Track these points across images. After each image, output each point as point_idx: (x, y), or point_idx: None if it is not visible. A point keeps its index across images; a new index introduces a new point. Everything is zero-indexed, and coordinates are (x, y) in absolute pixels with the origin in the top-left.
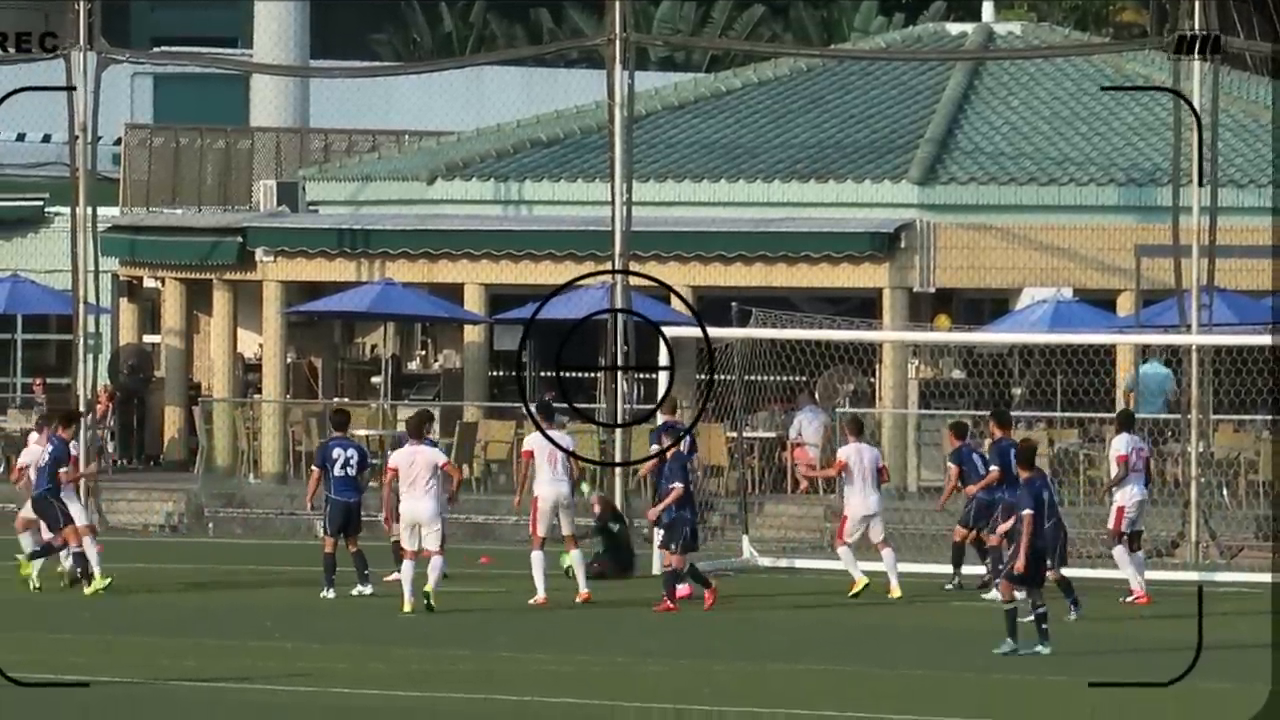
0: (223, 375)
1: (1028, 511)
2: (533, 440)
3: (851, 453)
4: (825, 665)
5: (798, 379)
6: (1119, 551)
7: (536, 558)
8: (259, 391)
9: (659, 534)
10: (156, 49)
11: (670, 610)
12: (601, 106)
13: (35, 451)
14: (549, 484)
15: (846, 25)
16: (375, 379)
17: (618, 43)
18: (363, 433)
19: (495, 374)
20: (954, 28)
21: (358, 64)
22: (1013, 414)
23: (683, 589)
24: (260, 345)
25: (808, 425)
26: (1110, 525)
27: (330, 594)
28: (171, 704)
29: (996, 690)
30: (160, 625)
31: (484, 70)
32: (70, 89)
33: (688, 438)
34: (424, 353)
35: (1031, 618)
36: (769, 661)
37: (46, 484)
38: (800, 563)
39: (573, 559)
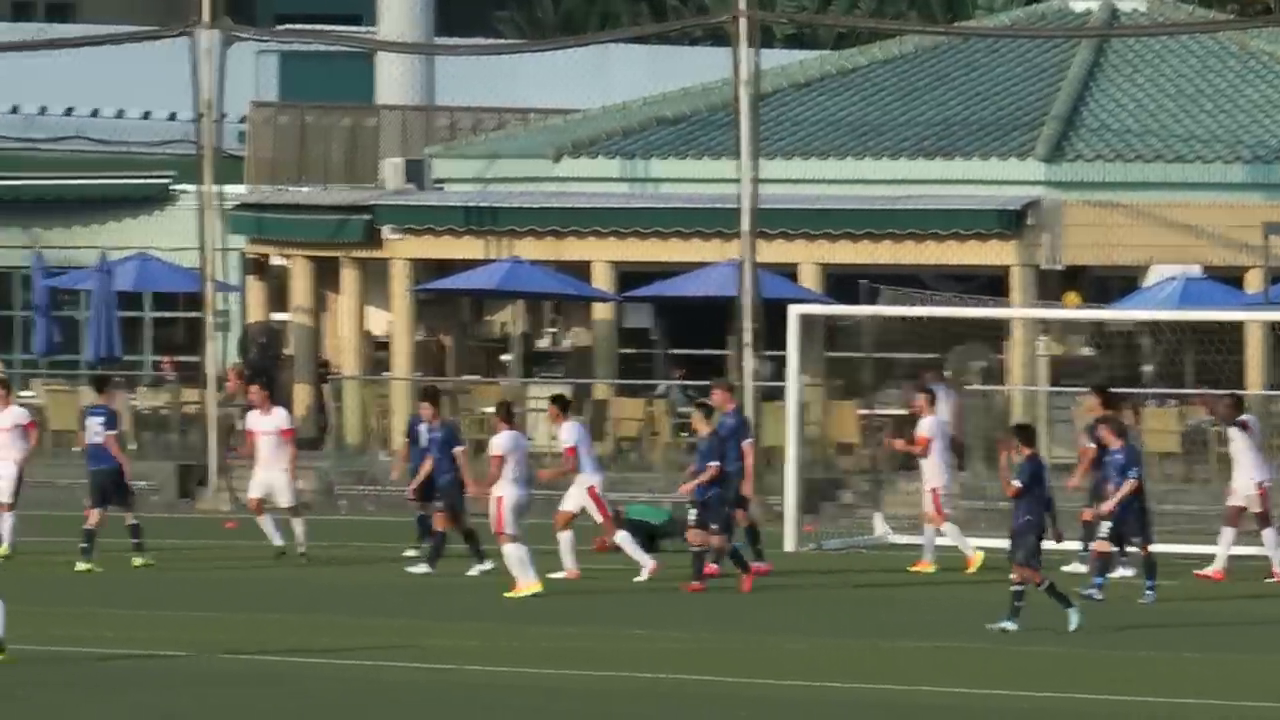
0: (352, 353)
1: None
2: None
3: (935, 427)
4: (957, 642)
5: (927, 356)
6: (1268, 534)
7: (623, 537)
8: (388, 369)
9: (693, 513)
10: (281, 27)
11: (698, 590)
12: (727, 84)
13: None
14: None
15: (971, 2)
16: (504, 357)
17: (743, 20)
18: (491, 410)
19: (624, 351)
20: (1078, 5)
21: (482, 41)
22: (1143, 391)
23: (711, 568)
24: (389, 323)
25: (940, 403)
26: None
27: (422, 568)
28: (303, 682)
29: (1134, 666)
30: (292, 602)
31: (609, 48)
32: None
33: (737, 420)
34: (554, 330)
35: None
36: (899, 639)
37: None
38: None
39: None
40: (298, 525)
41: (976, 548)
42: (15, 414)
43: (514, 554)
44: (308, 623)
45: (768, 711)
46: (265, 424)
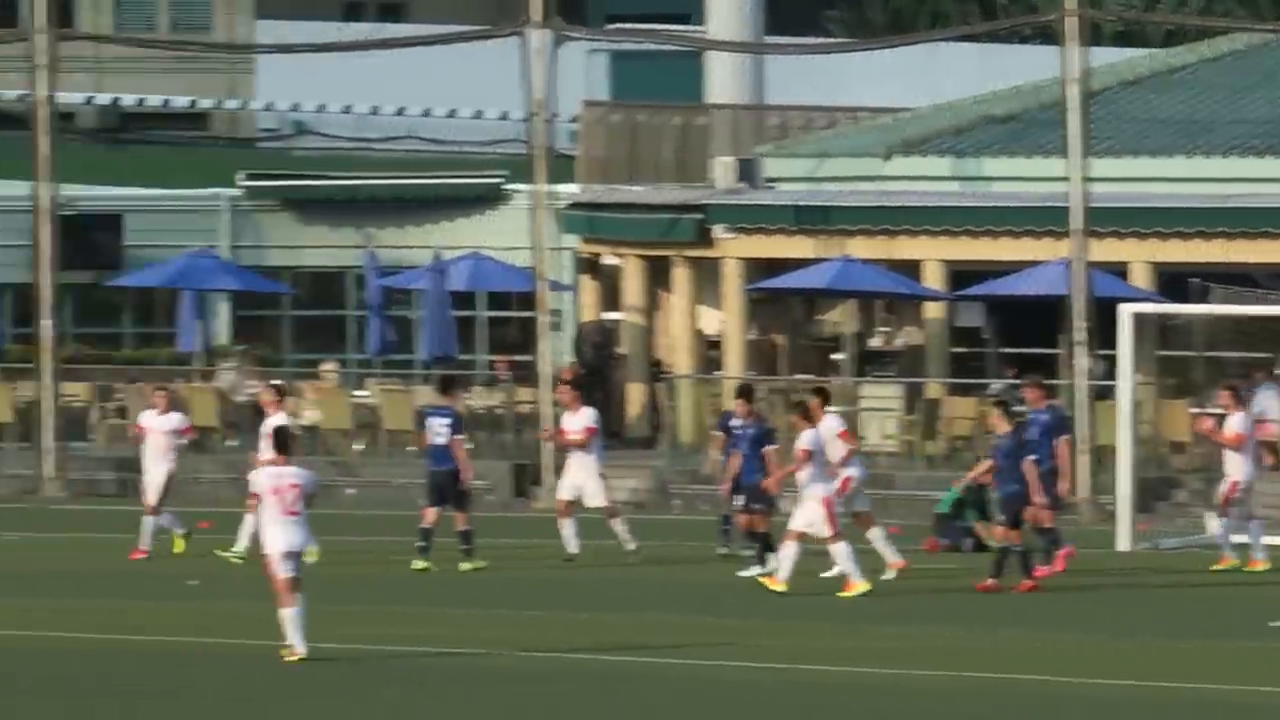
0: (684, 352)
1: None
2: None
3: (1246, 423)
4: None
5: (1258, 355)
6: None
7: (874, 534)
8: (721, 368)
9: (738, 500)
10: (611, 26)
11: (1030, 589)
12: (1056, 82)
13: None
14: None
15: None
16: (836, 356)
17: (1073, 19)
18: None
19: (956, 350)
20: None
21: (811, 40)
22: None
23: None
24: (721, 322)
25: (1270, 402)
26: None
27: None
28: (639, 681)
29: None
30: (623, 602)
31: (938, 46)
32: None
33: (1052, 417)
34: (886, 329)
35: None
36: (1240, 639)
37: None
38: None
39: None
40: (617, 525)
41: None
42: (174, 419)
43: (844, 552)
44: (638, 622)
45: (1104, 712)
46: (572, 423)
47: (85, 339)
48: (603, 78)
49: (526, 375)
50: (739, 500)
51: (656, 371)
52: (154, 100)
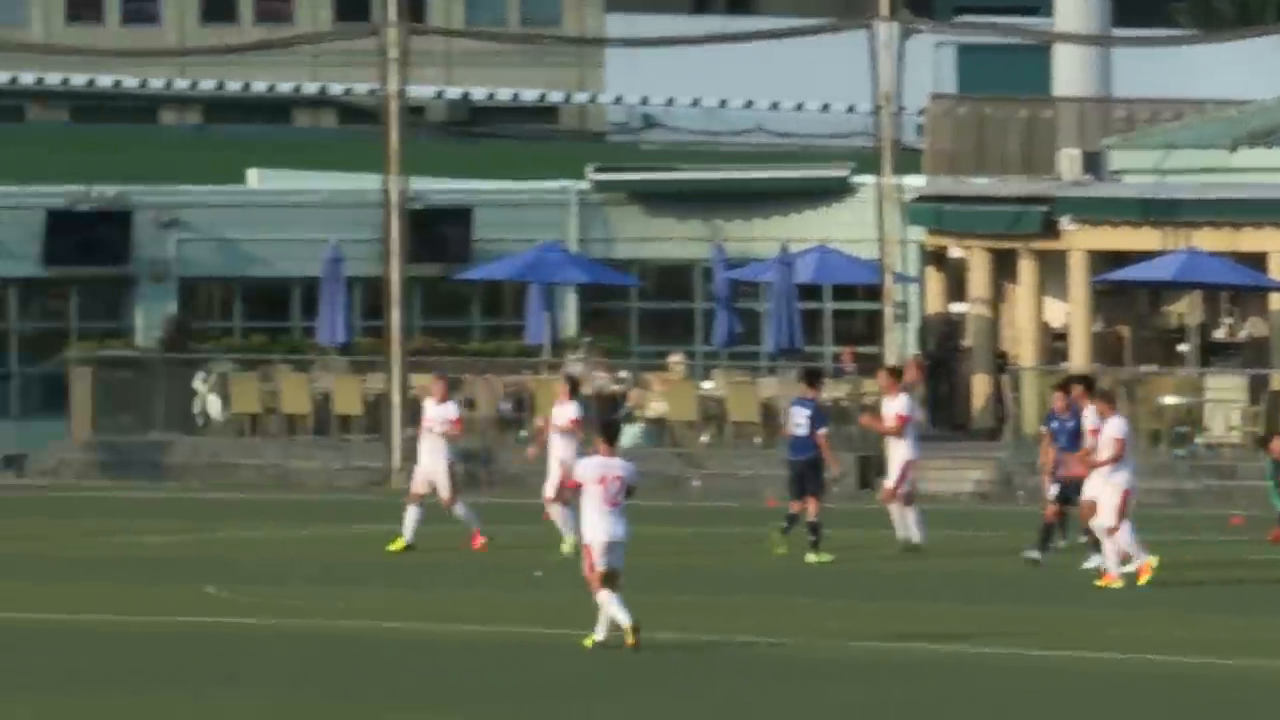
0: (1029, 343)
1: None
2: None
3: None
4: None
5: None
6: None
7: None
8: (1066, 360)
9: (1052, 489)
10: (958, 19)
11: None
12: None
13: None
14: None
15: None
16: (1181, 347)
17: None
18: (1170, 400)
19: None
20: None
21: (1159, 32)
22: None
23: None
24: (1067, 313)
25: None
26: None
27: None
28: (988, 673)
29: None
30: (964, 593)
31: None
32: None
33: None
34: (1230, 321)
35: None
36: None
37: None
38: None
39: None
40: (908, 515)
41: None
42: (448, 409)
43: (1123, 542)
44: (980, 613)
45: None
46: (887, 409)
47: (433, 332)
48: (950, 70)
49: (872, 367)
50: (1053, 490)
51: (1001, 363)
52: (503, 94)
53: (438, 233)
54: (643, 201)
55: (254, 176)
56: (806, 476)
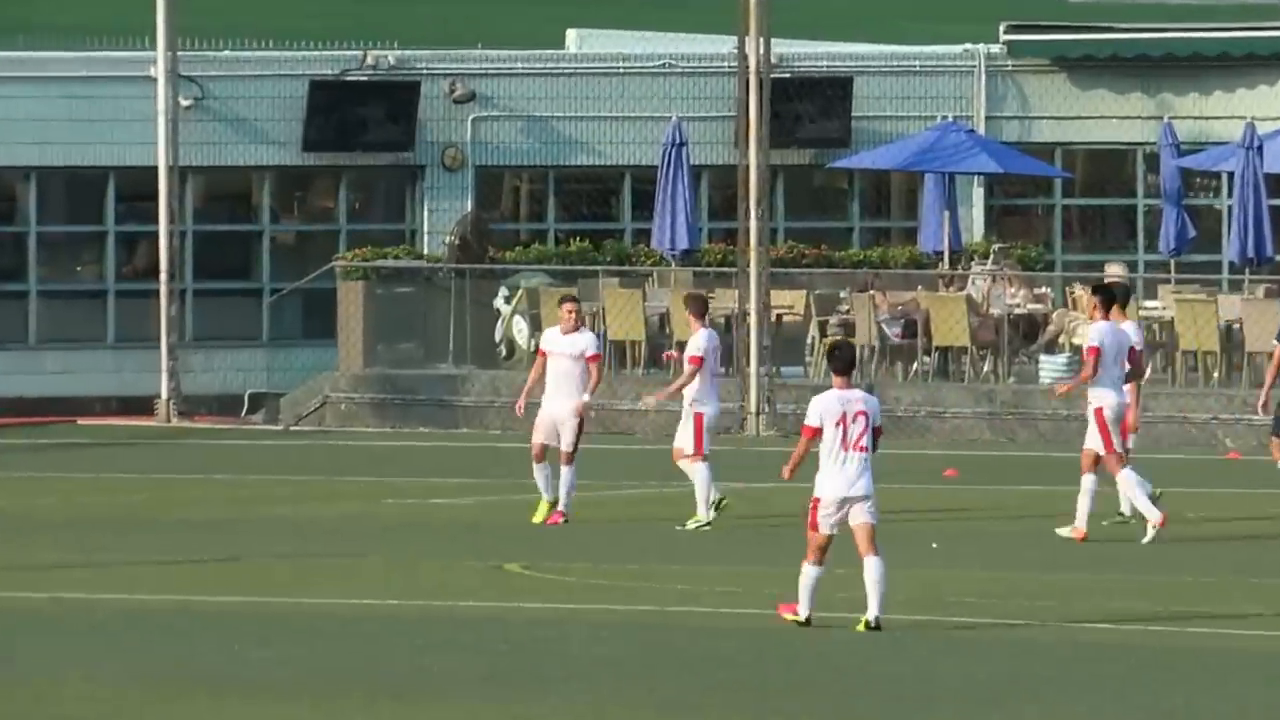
0: None
1: None
2: None
3: None
4: None
5: None
6: None
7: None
8: None
9: None
10: None
11: None
12: None
13: None
14: None
15: None
16: None
17: None
18: None
19: None
20: None
21: None
22: None
23: None
24: None
25: None
26: None
27: None
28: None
29: None
30: None
31: None
32: None
33: None
34: None
35: None
36: None
37: None
38: None
39: None
40: None
41: None
42: (582, 341)
43: None
44: None
45: None
46: None
47: (800, 236)
48: None
49: None
50: None
51: None
52: None
53: (807, 109)
54: (1069, 69)
55: (573, 38)
56: None
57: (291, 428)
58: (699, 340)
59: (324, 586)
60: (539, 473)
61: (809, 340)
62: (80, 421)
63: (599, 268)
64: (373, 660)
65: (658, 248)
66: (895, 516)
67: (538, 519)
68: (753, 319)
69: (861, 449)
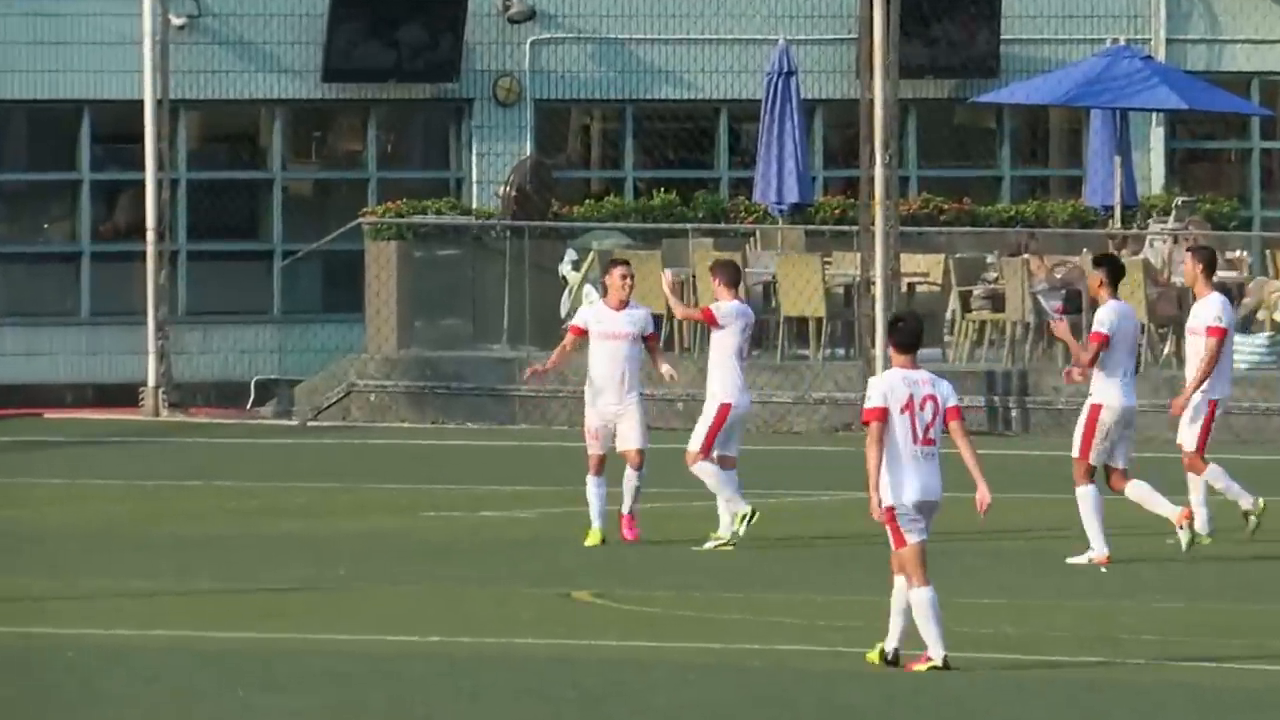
0: None
1: None
2: None
3: None
4: None
5: None
6: None
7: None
8: None
9: None
10: None
11: None
12: None
13: None
14: None
15: None
16: None
17: None
18: None
19: None
20: None
21: None
22: None
23: None
24: None
25: None
26: None
27: None
28: None
29: None
30: None
31: None
32: None
33: None
34: None
35: None
36: None
37: None
38: None
39: None
40: None
41: None
42: (638, 317)
43: None
44: None
45: None
46: None
47: (936, 186)
48: None
49: None
50: None
51: None
52: None
53: (946, 31)
54: None
55: None
56: None
57: (309, 423)
58: (727, 307)
59: (348, 620)
60: (594, 489)
61: (948, 316)
62: (48, 415)
63: (688, 226)
64: (409, 710)
65: (761, 201)
66: (1049, 534)
67: (592, 542)
68: (878, 288)
69: (930, 442)
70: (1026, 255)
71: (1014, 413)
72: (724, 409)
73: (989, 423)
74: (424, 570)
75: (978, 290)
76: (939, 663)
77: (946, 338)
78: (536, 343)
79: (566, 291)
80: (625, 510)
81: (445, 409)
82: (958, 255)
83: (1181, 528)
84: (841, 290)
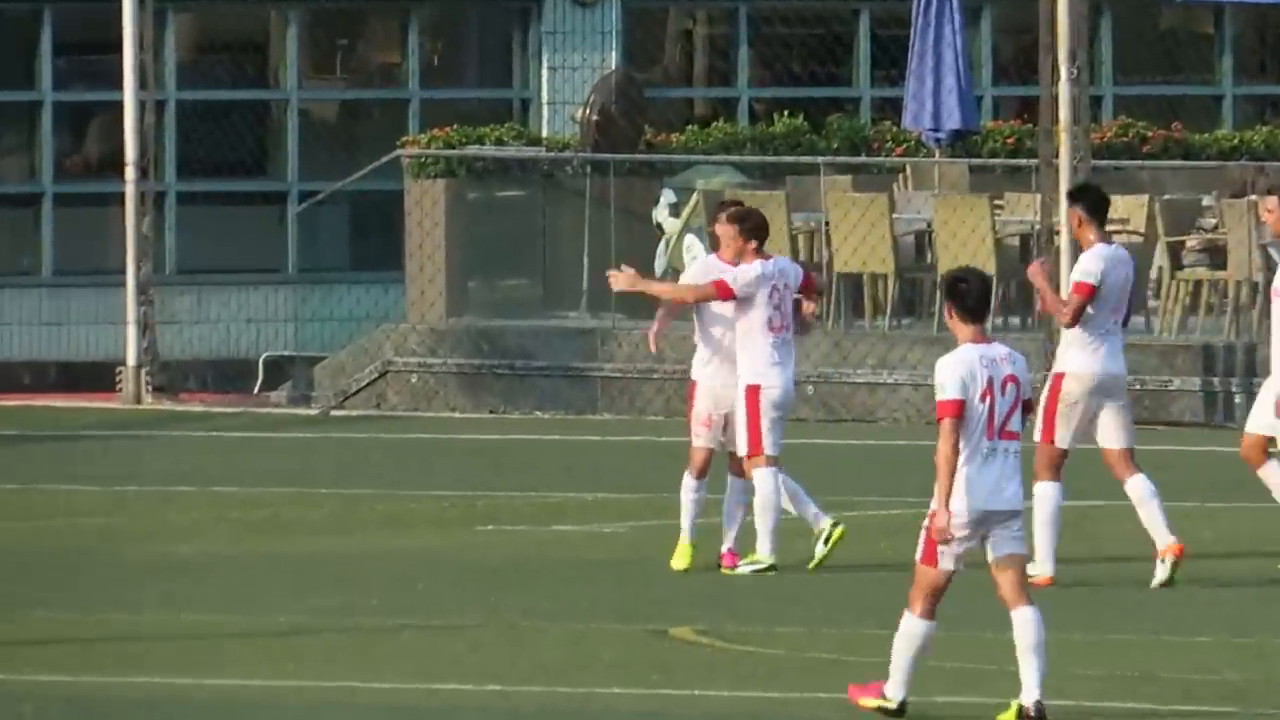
0: None
1: None
2: None
3: None
4: None
5: None
6: None
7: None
8: None
9: None
10: None
11: None
12: None
13: None
14: None
15: None
16: None
17: None
18: None
19: None
20: None
21: None
22: None
23: None
24: None
25: None
26: None
27: None
28: None
29: None
30: None
31: None
32: None
33: None
34: None
35: None
36: None
37: None
38: None
39: None
40: None
41: None
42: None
43: None
44: None
45: None
46: None
47: (1137, 110)
48: None
49: None
50: None
51: None
52: None
53: None
54: None
55: None
56: None
57: (333, 412)
58: (747, 273)
59: (383, 664)
60: (690, 495)
61: (1153, 274)
62: (1, 402)
63: (819, 159)
64: None
65: (912, 128)
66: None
67: (680, 564)
68: (1062, 238)
69: (1011, 435)
70: (1254, 197)
71: (1238, 399)
72: (751, 391)
73: (1205, 412)
74: (480, 600)
75: (1191, 241)
76: (893, 706)
77: (1151, 303)
78: (624, 309)
79: (663, 243)
80: (726, 546)
81: (507, 394)
82: (1166, 197)
83: (1163, 560)
84: (1016, 241)
